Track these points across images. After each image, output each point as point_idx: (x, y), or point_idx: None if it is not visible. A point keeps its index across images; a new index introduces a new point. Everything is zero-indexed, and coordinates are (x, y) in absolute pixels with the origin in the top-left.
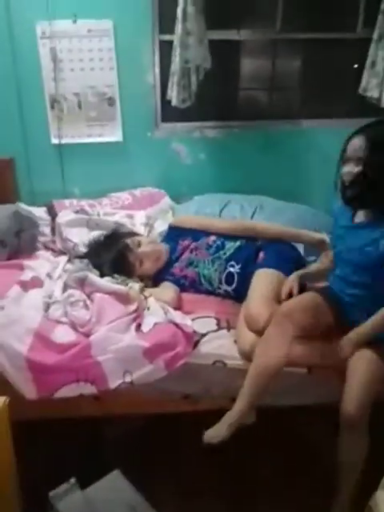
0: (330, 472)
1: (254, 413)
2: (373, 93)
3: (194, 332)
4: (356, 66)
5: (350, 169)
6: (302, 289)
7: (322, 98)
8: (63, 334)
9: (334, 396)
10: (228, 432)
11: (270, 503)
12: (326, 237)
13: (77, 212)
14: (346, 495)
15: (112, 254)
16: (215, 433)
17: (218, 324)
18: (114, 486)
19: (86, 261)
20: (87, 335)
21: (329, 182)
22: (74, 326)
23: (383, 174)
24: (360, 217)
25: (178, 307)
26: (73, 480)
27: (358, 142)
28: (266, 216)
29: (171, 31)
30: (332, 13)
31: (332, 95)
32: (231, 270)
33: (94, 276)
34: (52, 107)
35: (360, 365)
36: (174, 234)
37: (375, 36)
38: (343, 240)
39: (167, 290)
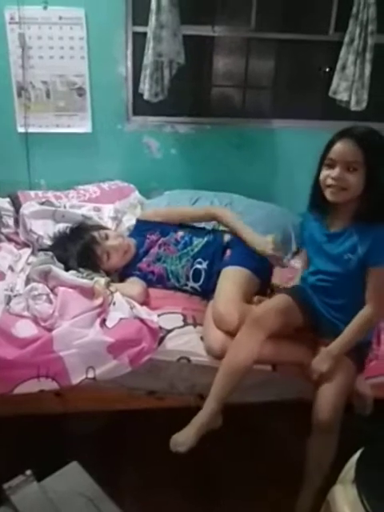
0: (292, 464)
1: (221, 416)
2: (342, 96)
3: (160, 328)
4: (327, 69)
5: (337, 173)
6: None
7: (294, 99)
8: (24, 329)
9: (299, 392)
10: (196, 437)
11: (232, 497)
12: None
13: (42, 203)
14: (311, 491)
15: (78, 246)
16: (183, 439)
17: (185, 320)
18: (71, 477)
19: (50, 254)
20: (50, 330)
21: (297, 182)
22: (36, 320)
23: (380, 177)
24: (336, 225)
25: (144, 303)
26: (28, 472)
27: (347, 146)
28: (236, 213)
29: (145, 23)
30: (305, 15)
31: (303, 96)
32: (198, 266)
33: (58, 269)
34: (19, 95)
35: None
36: (142, 228)
37: (346, 40)
38: (321, 253)
39: (134, 285)
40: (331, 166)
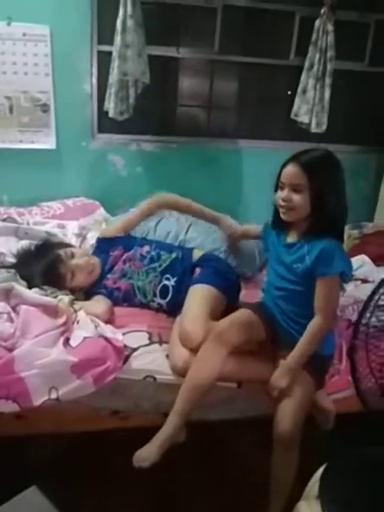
0: (257, 483)
1: (185, 430)
2: (303, 118)
3: (125, 346)
4: (289, 92)
5: (285, 194)
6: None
7: (257, 120)
8: None
9: (263, 409)
10: (159, 452)
11: None
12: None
13: (4, 220)
14: (277, 507)
15: (43, 264)
16: (146, 454)
17: (150, 338)
18: (30, 502)
19: (12, 271)
20: (10, 350)
21: (260, 200)
22: None
23: (324, 198)
24: (292, 237)
25: (109, 321)
26: None
27: (293, 170)
28: (201, 231)
29: (110, 42)
30: (267, 40)
31: (266, 117)
32: (166, 283)
33: (20, 287)
34: None
35: (292, 382)
36: (104, 245)
37: (306, 65)
38: (279, 261)
39: (98, 303)
40: (282, 188)
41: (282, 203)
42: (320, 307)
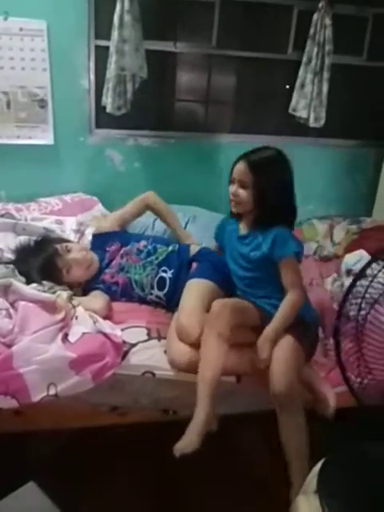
0: (259, 478)
1: (216, 419)
2: (301, 113)
3: (124, 342)
4: (288, 86)
5: (234, 189)
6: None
7: (255, 115)
8: None
9: (263, 404)
10: (199, 440)
11: None
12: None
13: (2, 216)
14: (301, 476)
15: (40, 259)
16: (186, 442)
17: (149, 334)
18: (28, 498)
19: (11, 267)
20: (9, 346)
21: None
22: None
23: (266, 195)
24: (244, 229)
25: (107, 317)
26: None
27: (241, 168)
28: (200, 226)
29: (107, 37)
30: (265, 34)
31: (264, 112)
32: (163, 274)
33: (18, 283)
34: None
35: (278, 346)
36: (100, 241)
37: (304, 59)
38: (235, 252)
39: (96, 298)
40: (232, 183)
41: (231, 197)
42: (290, 285)
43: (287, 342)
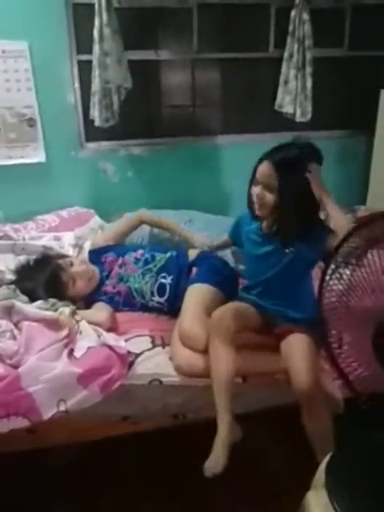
0: (268, 476)
1: (239, 428)
2: (288, 109)
3: (129, 353)
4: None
5: (259, 191)
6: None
7: (243, 114)
8: None
9: (269, 403)
10: (225, 455)
11: None
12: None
13: (0, 237)
14: None
15: (45, 274)
16: (214, 462)
17: (153, 342)
18: None
19: (12, 287)
20: (16, 367)
21: None
22: (1, 358)
23: (292, 201)
24: (268, 228)
25: (112, 328)
26: None
27: (266, 169)
28: (196, 229)
29: (90, 51)
30: (245, 34)
31: (252, 111)
32: (163, 281)
33: (21, 303)
34: None
35: (295, 344)
36: (96, 254)
37: (286, 55)
38: (253, 243)
39: (100, 311)
40: (256, 185)
41: (255, 199)
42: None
43: (303, 340)
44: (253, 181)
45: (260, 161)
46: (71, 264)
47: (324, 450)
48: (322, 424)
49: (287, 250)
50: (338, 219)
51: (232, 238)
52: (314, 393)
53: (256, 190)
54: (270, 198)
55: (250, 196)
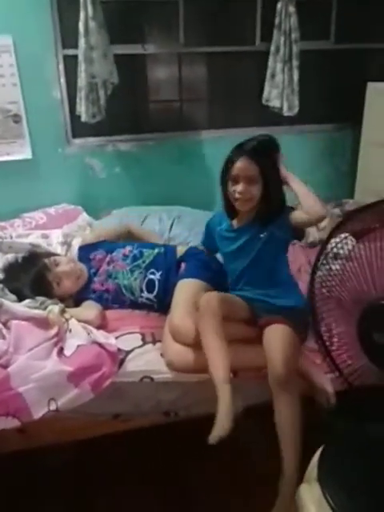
0: (261, 473)
1: (241, 399)
2: (275, 103)
3: (119, 350)
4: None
5: (242, 188)
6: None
7: (230, 108)
8: None
9: (259, 398)
10: (229, 422)
11: None
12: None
13: None
14: (291, 473)
15: (31, 274)
16: (219, 430)
17: (143, 339)
18: None
19: (0, 286)
20: (5, 367)
21: None
22: None
23: (276, 180)
24: (240, 222)
25: (102, 325)
26: None
27: (244, 164)
28: (186, 225)
29: (75, 45)
30: (232, 27)
31: (239, 105)
32: (152, 277)
33: (9, 302)
34: None
35: (274, 333)
36: (85, 251)
37: (272, 49)
38: (227, 240)
39: (89, 308)
40: (236, 182)
41: (239, 196)
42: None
43: (282, 331)
44: (227, 182)
45: (229, 162)
46: (58, 263)
47: (289, 453)
48: (292, 413)
49: (261, 235)
50: (305, 196)
51: (206, 246)
52: (286, 381)
53: (239, 187)
54: (255, 189)
55: (226, 196)
